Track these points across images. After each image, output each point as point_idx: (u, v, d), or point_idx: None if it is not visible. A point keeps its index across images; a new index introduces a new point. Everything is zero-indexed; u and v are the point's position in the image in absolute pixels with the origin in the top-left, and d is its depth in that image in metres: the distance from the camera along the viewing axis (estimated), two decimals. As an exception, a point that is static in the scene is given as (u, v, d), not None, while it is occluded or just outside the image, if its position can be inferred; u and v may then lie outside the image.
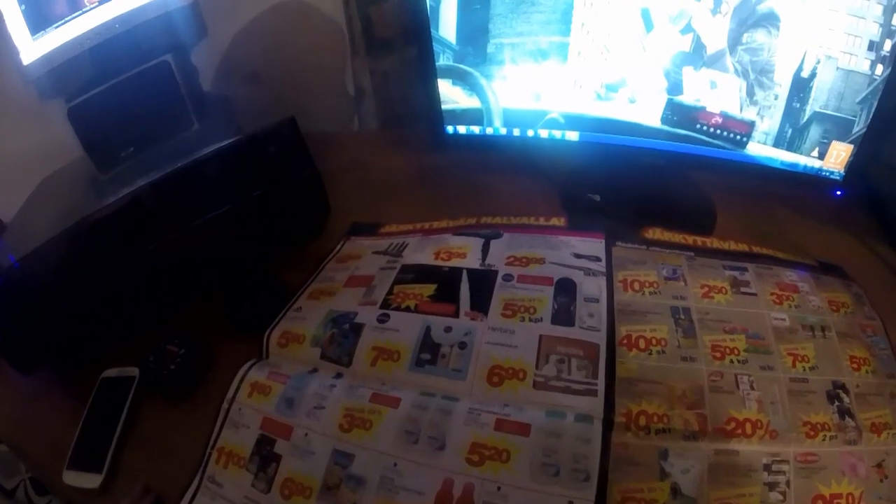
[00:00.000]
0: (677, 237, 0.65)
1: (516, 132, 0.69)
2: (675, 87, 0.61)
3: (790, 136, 0.59)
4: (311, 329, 0.57)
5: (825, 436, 0.47)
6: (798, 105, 0.57)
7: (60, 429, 0.55)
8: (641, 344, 0.52)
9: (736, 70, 0.58)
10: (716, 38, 0.57)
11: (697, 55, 0.59)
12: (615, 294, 0.56)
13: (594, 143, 0.67)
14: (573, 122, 0.67)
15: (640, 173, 0.69)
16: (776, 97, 0.58)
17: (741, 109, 0.59)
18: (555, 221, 0.65)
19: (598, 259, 0.59)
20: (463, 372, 0.50)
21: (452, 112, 0.70)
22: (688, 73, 0.60)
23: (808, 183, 0.61)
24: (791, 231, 0.67)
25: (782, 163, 0.60)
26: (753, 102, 0.58)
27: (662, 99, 0.62)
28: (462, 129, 0.71)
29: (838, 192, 0.60)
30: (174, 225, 0.62)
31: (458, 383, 0.50)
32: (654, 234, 0.65)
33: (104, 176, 0.69)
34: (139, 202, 0.60)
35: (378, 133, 0.98)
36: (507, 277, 0.57)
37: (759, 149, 0.60)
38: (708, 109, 0.61)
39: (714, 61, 0.58)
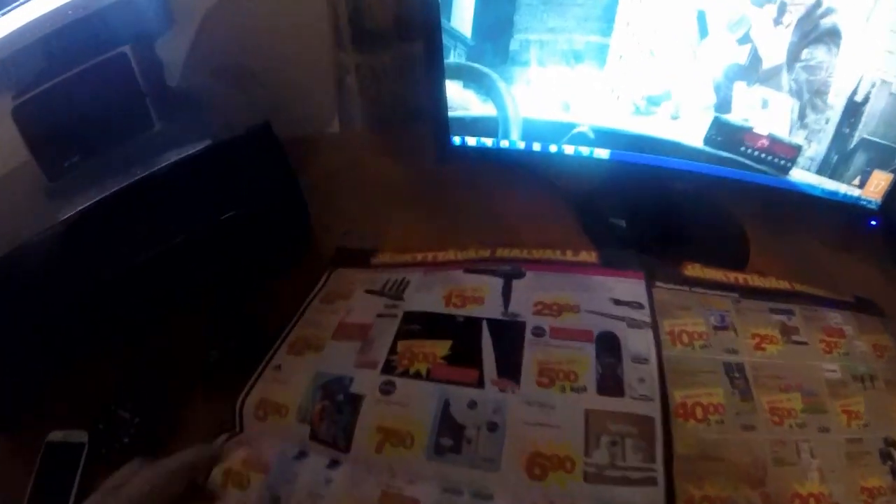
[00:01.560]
0: (718, 274, 0.57)
1: (536, 147, 0.59)
2: (723, 104, 0.53)
3: (835, 162, 0.53)
4: (296, 398, 0.45)
5: (882, 502, 0.42)
6: (847, 130, 0.52)
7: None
8: (698, 412, 0.44)
9: (790, 89, 0.51)
10: (775, 51, 0.50)
11: (752, 69, 0.51)
12: (663, 348, 0.48)
13: (626, 162, 0.58)
14: (605, 138, 0.57)
15: (670, 198, 0.61)
16: (827, 121, 0.52)
17: (790, 132, 0.53)
18: (585, 256, 0.56)
19: (640, 306, 0.50)
20: (496, 462, 0.40)
21: (462, 120, 0.59)
22: (739, 88, 0.53)
23: (844, 211, 0.55)
24: (824, 262, 0.62)
25: (823, 191, 0.55)
26: (804, 126, 0.52)
27: (708, 117, 0.54)
28: (472, 141, 0.60)
29: (873, 222, 0.57)
30: (124, 255, 0.51)
31: (491, 476, 0.39)
32: (694, 270, 0.56)
33: (53, 184, 0.57)
34: (83, 226, 0.50)
35: (366, 137, 0.86)
36: (538, 331, 0.47)
37: (802, 175, 0.54)
38: (755, 131, 0.54)
39: (769, 77, 0.51)
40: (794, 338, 0.51)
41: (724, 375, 0.47)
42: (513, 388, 0.44)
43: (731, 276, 0.57)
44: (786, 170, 0.55)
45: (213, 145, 0.56)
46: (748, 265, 0.60)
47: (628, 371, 0.45)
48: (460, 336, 0.47)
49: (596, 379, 0.44)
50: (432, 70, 0.55)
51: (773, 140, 0.54)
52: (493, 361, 0.45)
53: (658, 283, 0.53)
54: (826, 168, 0.53)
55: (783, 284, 0.57)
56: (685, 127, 0.55)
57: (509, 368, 0.45)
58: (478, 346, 0.46)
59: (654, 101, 0.54)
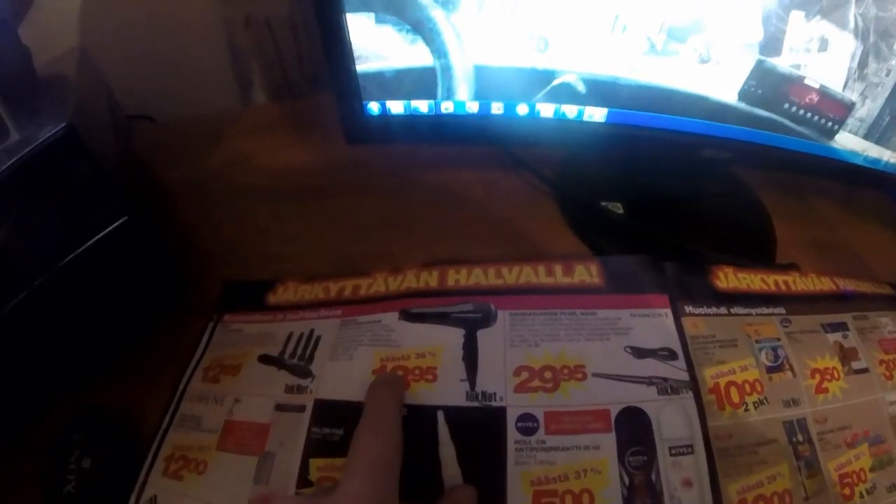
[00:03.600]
0: (755, 280, 0.41)
1: (497, 108, 0.39)
2: (771, 43, 0.38)
3: (885, 126, 0.42)
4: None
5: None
6: (909, 86, 0.39)
7: None
8: None
9: (856, 27, 0.38)
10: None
11: (815, -6, 0.35)
12: (709, 419, 0.32)
13: (629, 126, 0.39)
14: (601, 91, 0.37)
15: (682, 173, 0.43)
16: (888, 72, 0.40)
17: (845, 85, 0.40)
18: (582, 274, 0.37)
19: (672, 354, 0.34)
20: None
21: (379, 76, 0.37)
22: (796, 21, 0.37)
23: (882, 183, 0.45)
24: (852, 242, 0.50)
25: (865, 159, 0.43)
26: (862, 77, 0.40)
27: (749, 60, 0.38)
28: (396, 107, 0.39)
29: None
30: None
31: None
32: (727, 279, 0.40)
33: None
34: None
35: (266, 112, 0.64)
36: (528, 424, 0.30)
37: (847, 140, 0.42)
38: (806, 82, 0.39)
39: (834, 8, 0.37)
40: (855, 365, 0.39)
41: (788, 444, 0.34)
42: (493, 538, 0.27)
43: (771, 281, 0.42)
44: (831, 133, 0.41)
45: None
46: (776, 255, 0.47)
47: (667, 472, 0.30)
48: (406, 443, 0.30)
49: (622, 497, 0.28)
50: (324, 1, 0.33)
51: (824, 95, 0.40)
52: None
53: (688, 309, 0.37)
54: (874, 132, 0.42)
55: (826, 284, 0.44)
56: (716, 74, 0.38)
57: (487, 502, 0.28)
58: (433, 463, 0.29)
59: (676, 36, 0.36)
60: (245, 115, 0.63)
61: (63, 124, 0.35)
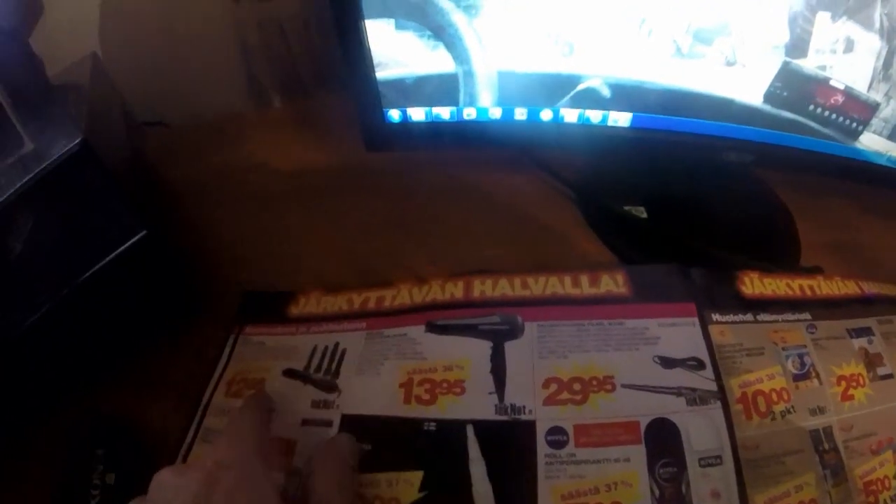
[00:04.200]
0: (780, 285, 0.40)
1: (520, 114, 0.38)
2: (797, 45, 0.37)
3: None
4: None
5: None
6: (932, 86, 0.38)
7: None
8: None
9: (881, 27, 0.37)
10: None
11: (842, -5, 0.35)
12: (736, 429, 0.32)
13: (654, 130, 0.38)
14: (626, 95, 0.37)
15: (705, 176, 0.43)
16: None
17: (870, 86, 0.39)
18: (608, 283, 0.37)
19: (699, 363, 0.33)
20: None
21: (400, 84, 0.37)
22: (822, 22, 0.37)
23: None
24: (874, 244, 0.49)
25: (889, 159, 0.42)
26: (886, 77, 0.39)
27: (775, 62, 0.37)
28: (418, 115, 0.38)
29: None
30: None
31: None
32: (753, 285, 0.40)
33: None
34: None
35: (279, 114, 0.63)
36: (557, 441, 0.30)
37: (872, 141, 0.41)
38: (832, 83, 0.39)
39: (859, 9, 0.37)
40: (880, 371, 0.39)
41: (814, 453, 0.33)
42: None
43: (796, 286, 0.42)
44: (856, 134, 0.41)
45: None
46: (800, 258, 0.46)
47: (696, 483, 0.29)
48: (434, 459, 0.30)
49: (652, 509, 0.28)
50: (343, 4, 0.32)
51: (849, 96, 0.39)
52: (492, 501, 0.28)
53: (715, 317, 0.36)
54: (899, 132, 0.40)
55: (851, 287, 0.43)
56: (742, 77, 0.37)
57: (517, 514, 0.28)
58: (464, 478, 0.29)
59: (703, 38, 0.35)
60: (257, 116, 0.62)
61: (78, 139, 0.35)
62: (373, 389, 0.33)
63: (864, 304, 0.42)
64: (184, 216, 0.49)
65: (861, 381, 0.37)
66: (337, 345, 0.36)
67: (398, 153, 0.49)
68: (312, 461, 0.28)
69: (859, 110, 0.41)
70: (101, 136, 0.38)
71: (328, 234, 0.46)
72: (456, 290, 0.37)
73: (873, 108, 0.40)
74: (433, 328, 0.35)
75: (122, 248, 0.38)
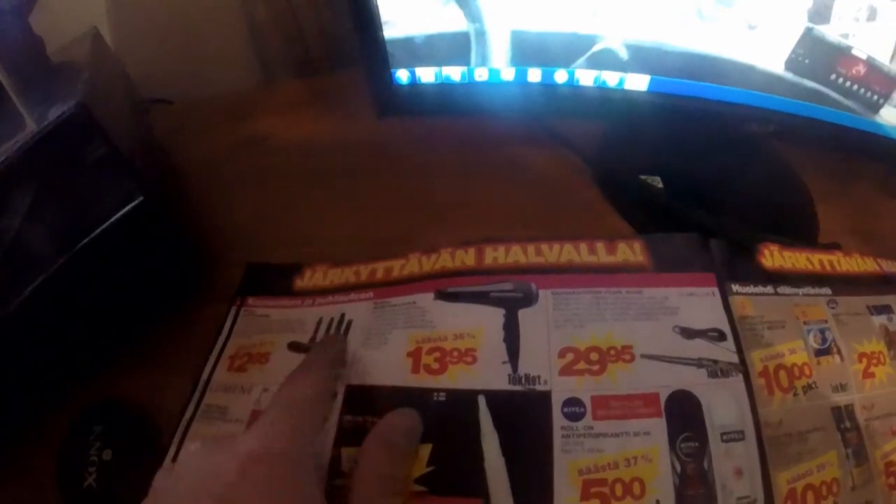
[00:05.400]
0: (801, 259, 0.39)
1: (534, 76, 0.37)
2: (820, 11, 0.36)
3: None
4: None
5: None
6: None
7: None
8: (810, 500, 0.29)
9: None
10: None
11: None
12: (758, 405, 0.31)
13: (671, 95, 0.37)
14: (644, 57, 0.35)
15: (723, 147, 0.42)
16: None
17: (892, 58, 0.38)
18: (625, 252, 0.35)
19: (720, 335, 0.32)
20: None
21: (409, 42, 0.35)
22: None
23: None
24: (892, 228, 0.47)
25: None
26: None
27: (798, 28, 0.36)
28: (427, 75, 0.37)
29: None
30: None
31: None
32: (773, 257, 0.38)
33: None
34: None
35: (288, 90, 0.61)
36: (574, 413, 0.29)
37: (893, 116, 0.40)
38: (854, 52, 0.37)
39: None
40: None
41: (836, 430, 0.32)
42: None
43: (815, 260, 0.40)
44: (876, 108, 0.39)
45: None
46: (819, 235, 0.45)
47: (718, 459, 0.28)
48: (444, 431, 0.28)
49: (674, 486, 0.27)
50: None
51: (872, 67, 0.38)
52: (505, 481, 0.27)
53: (735, 288, 0.35)
54: (918, 106, 0.38)
55: (870, 265, 0.42)
56: (764, 42, 0.36)
57: (532, 494, 0.27)
58: (475, 452, 0.28)
59: (725, 0, 0.33)
60: (266, 93, 0.61)
61: (73, 102, 0.34)
62: (379, 359, 0.31)
63: (883, 282, 0.41)
64: (192, 193, 0.48)
65: (882, 360, 0.36)
66: (343, 316, 0.35)
67: (411, 129, 0.48)
68: (360, 450, 0.26)
69: (881, 82, 0.39)
70: (100, 107, 0.37)
71: (340, 214, 0.45)
72: (467, 258, 0.36)
73: (894, 80, 0.38)
74: (443, 296, 0.34)
75: (120, 214, 0.37)
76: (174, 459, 0.32)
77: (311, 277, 0.39)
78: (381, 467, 0.25)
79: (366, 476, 0.24)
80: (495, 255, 0.36)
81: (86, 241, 0.36)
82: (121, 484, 0.32)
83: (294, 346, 0.34)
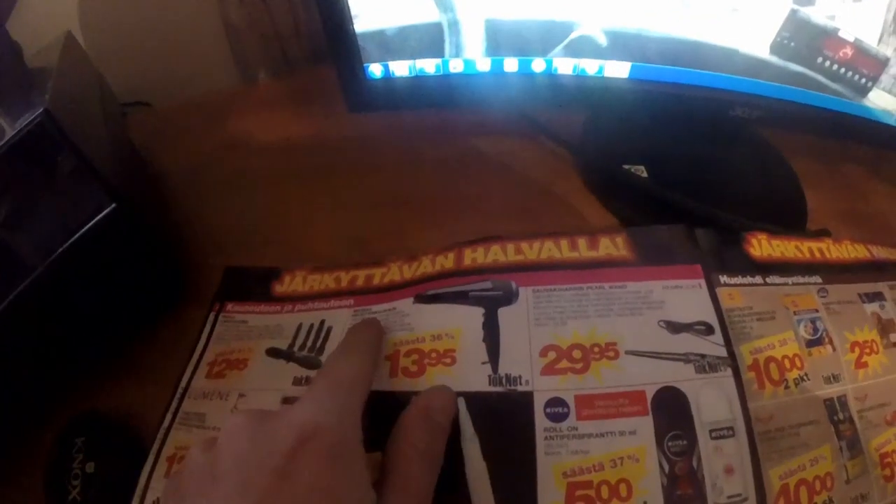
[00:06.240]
0: (789, 248, 0.38)
1: (510, 65, 0.36)
2: None
3: None
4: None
5: None
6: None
7: None
8: (803, 496, 0.28)
9: None
10: None
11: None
12: (749, 399, 0.30)
13: (653, 82, 0.36)
14: (624, 44, 0.34)
15: (709, 134, 0.41)
16: None
17: (880, 39, 0.37)
18: (608, 246, 0.35)
19: (708, 328, 0.31)
20: None
21: (379, 36, 0.34)
22: None
23: None
24: (883, 210, 0.47)
25: None
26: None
27: (783, 10, 0.35)
28: (400, 69, 0.36)
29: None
30: None
31: None
32: (761, 247, 0.37)
33: None
34: None
35: (266, 90, 0.60)
36: (557, 413, 0.28)
37: (881, 99, 0.39)
38: (840, 35, 0.37)
39: None
40: (893, 338, 0.37)
41: (829, 423, 0.32)
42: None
43: (805, 248, 0.39)
44: (864, 91, 0.39)
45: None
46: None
47: (708, 457, 0.27)
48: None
49: (662, 486, 0.26)
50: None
51: (859, 49, 0.37)
52: (487, 486, 0.26)
53: (723, 279, 0.34)
54: (908, 89, 0.38)
55: (861, 251, 0.41)
56: (748, 25, 0.35)
57: (516, 498, 0.26)
58: (456, 455, 0.27)
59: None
60: (244, 94, 0.60)
61: (39, 111, 0.33)
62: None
63: (874, 269, 0.40)
64: (171, 197, 0.47)
65: (875, 348, 0.35)
66: (322, 322, 0.34)
67: (391, 126, 0.47)
68: (397, 425, 0.25)
69: (868, 65, 0.38)
70: (71, 111, 0.36)
71: (323, 213, 0.44)
72: (446, 262, 0.35)
73: (883, 63, 0.37)
74: (422, 299, 0.33)
75: (92, 223, 0.36)
76: (153, 468, 0.31)
77: (291, 283, 0.38)
78: (419, 442, 0.25)
79: (405, 449, 0.24)
80: (474, 255, 0.35)
81: (60, 250, 0.35)
82: (105, 496, 0.32)
83: (273, 352, 0.33)
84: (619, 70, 0.36)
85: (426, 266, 0.35)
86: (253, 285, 0.38)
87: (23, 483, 0.33)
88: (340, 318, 0.34)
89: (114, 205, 0.36)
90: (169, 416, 0.33)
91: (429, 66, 0.35)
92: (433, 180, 0.44)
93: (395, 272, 0.36)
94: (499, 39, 0.34)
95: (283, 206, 0.45)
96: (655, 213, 0.39)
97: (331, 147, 0.49)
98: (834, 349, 0.34)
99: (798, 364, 0.32)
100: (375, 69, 0.36)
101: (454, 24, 0.33)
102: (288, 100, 0.57)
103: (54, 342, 0.36)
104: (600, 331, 0.30)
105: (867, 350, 0.35)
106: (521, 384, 0.29)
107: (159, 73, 0.58)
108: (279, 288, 0.38)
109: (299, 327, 0.34)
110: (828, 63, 0.38)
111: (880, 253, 0.42)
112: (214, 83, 0.61)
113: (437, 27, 0.33)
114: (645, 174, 0.42)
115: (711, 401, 0.29)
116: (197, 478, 0.21)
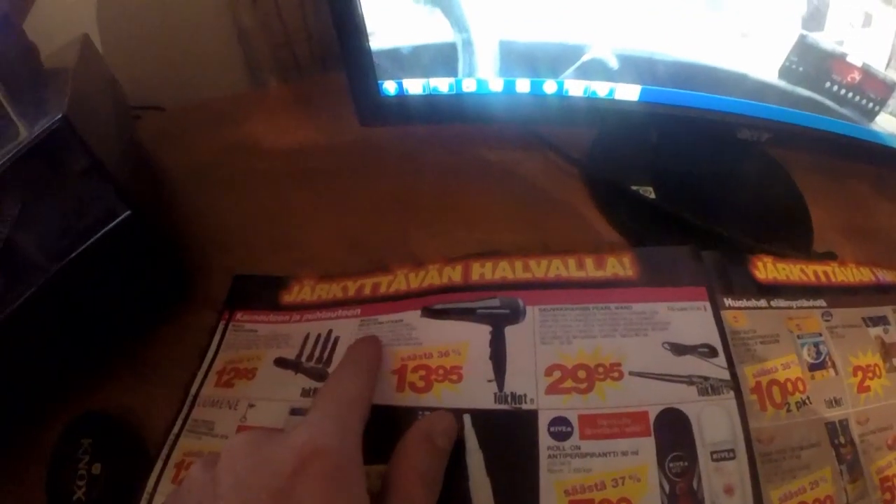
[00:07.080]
0: (794, 271, 0.39)
1: (522, 86, 0.36)
2: (814, 18, 0.36)
3: None
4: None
5: None
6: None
7: None
8: None
9: None
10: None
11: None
12: (750, 420, 0.30)
13: (664, 105, 0.36)
14: (635, 67, 0.35)
15: (716, 155, 0.41)
16: None
17: (888, 64, 0.37)
18: (615, 266, 0.35)
19: (711, 350, 0.31)
20: None
21: (395, 54, 0.34)
22: None
23: None
24: (888, 227, 0.47)
25: None
26: None
27: (791, 35, 0.36)
28: (414, 87, 0.36)
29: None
30: None
31: None
32: (766, 269, 0.38)
33: None
34: None
35: (276, 94, 0.61)
36: (561, 432, 0.28)
37: (888, 122, 0.39)
38: (849, 59, 0.37)
39: None
40: None
41: (830, 446, 0.32)
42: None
43: (810, 271, 0.40)
44: (872, 115, 0.39)
45: None
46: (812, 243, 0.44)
47: (709, 479, 0.28)
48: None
49: (662, 505, 0.27)
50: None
51: (867, 73, 0.37)
52: (490, 500, 0.26)
53: (728, 302, 0.35)
54: (914, 113, 0.38)
55: (866, 275, 0.41)
56: (757, 50, 0.35)
57: (517, 510, 0.26)
58: (460, 470, 0.27)
59: (716, 7, 0.33)
60: (254, 98, 0.61)
61: (58, 116, 0.33)
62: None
63: (879, 292, 0.40)
64: (180, 200, 0.48)
65: (878, 372, 0.36)
66: (330, 332, 0.34)
67: (399, 132, 0.47)
68: (399, 447, 0.26)
69: (876, 89, 0.38)
70: (86, 116, 0.36)
71: (329, 218, 0.44)
72: (454, 274, 0.35)
73: (890, 87, 0.38)
74: (429, 313, 0.33)
75: (106, 228, 0.36)
76: (161, 473, 0.31)
77: (299, 292, 0.38)
78: (420, 464, 0.25)
79: (406, 472, 0.24)
80: (482, 270, 0.35)
81: (73, 255, 0.35)
82: (110, 497, 0.32)
83: (280, 362, 0.34)
84: (629, 93, 0.36)
85: (433, 276, 0.36)
86: (261, 293, 0.39)
87: (27, 482, 0.33)
88: (347, 328, 0.34)
89: (129, 212, 0.37)
90: (179, 423, 0.33)
91: (442, 84, 0.36)
92: (439, 188, 0.45)
93: (401, 280, 0.36)
94: (511, 60, 0.35)
95: (289, 210, 0.46)
96: (662, 231, 0.40)
97: (338, 152, 0.50)
98: (836, 373, 0.34)
99: (800, 387, 0.32)
100: (389, 86, 0.36)
101: (468, 45, 0.34)
102: (296, 105, 0.57)
103: (63, 342, 0.37)
104: (605, 351, 0.31)
105: (870, 374, 0.35)
106: (525, 402, 0.29)
107: (171, 77, 0.58)
108: (287, 297, 0.38)
109: (307, 337, 0.35)
110: (836, 87, 0.38)
111: (885, 276, 0.42)
112: (226, 87, 0.62)
113: (452, 47, 0.34)
114: (653, 195, 0.42)
115: (713, 423, 0.29)
116: (197, 496, 0.21)
